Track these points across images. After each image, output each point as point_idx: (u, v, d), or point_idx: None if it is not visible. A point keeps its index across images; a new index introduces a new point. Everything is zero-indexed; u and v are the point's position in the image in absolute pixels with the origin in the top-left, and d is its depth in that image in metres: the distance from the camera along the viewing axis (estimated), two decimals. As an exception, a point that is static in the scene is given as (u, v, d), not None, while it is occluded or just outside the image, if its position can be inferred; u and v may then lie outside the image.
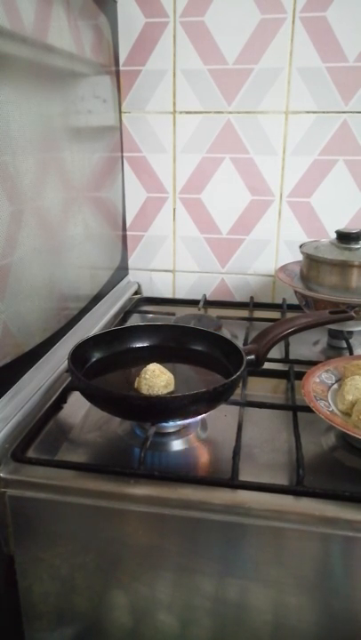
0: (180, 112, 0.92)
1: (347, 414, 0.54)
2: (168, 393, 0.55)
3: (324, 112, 0.88)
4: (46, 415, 0.58)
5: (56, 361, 0.66)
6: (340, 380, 0.59)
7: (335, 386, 0.58)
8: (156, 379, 0.54)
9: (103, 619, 0.53)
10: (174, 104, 0.92)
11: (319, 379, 0.59)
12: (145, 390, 0.54)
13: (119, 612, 0.52)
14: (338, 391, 0.57)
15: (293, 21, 0.84)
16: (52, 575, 0.52)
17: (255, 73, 0.88)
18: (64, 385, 0.63)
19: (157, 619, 0.52)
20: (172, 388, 0.55)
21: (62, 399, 0.62)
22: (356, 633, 0.47)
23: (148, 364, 0.56)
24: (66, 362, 0.59)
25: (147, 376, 0.55)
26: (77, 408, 0.61)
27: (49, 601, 0.53)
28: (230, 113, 0.90)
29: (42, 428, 0.56)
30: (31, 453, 0.52)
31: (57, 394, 0.62)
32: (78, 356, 0.58)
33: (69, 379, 0.64)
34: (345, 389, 0.54)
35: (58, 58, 0.67)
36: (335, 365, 0.61)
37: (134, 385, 0.56)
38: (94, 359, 0.62)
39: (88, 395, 0.54)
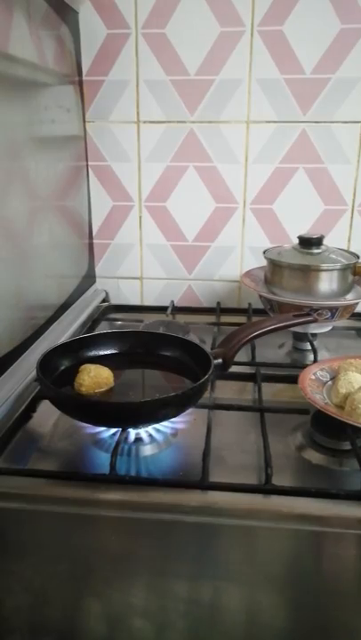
0: (144, 122, 0.93)
1: (340, 407, 0.56)
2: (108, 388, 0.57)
3: (283, 122, 0.91)
4: (15, 425, 0.57)
5: (24, 370, 0.65)
6: (334, 378, 0.62)
7: (330, 383, 0.61)
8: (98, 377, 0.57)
9: (78, 629, 0.52)
10: (138, 114, 0.93)
11: (315, 376, 0.61)
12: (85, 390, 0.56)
13: (94, 620, 0.52)
14: (332, 387, 0.59)
15: (252, 34, 0.87)
16: (25, 587, 0.51)
17: (216, 84, 0.90)
18: (33, 394, 0.63)
19: (132, 625, 0.52)
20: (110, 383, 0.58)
21: (31, 408, 0.61)
22: (328, 626, 0.49)
23: (119, 370, 0.57)
24: (34, 371, 0.59)
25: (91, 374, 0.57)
26: (47, 417, 0.60)
27: (21, 614, 0.52)
28: (193, 122, 0.92)
29: (11, 437, 0.56)
30: (1, 463, 0.52)
31: (26, 403, 0.61)
32: (46, 364, 0.58)
33: (38, 387, 0.64)
34: (338, 384, 0.58)
35: (20, 67, 0.67)
36: (330, 365, 0.64)
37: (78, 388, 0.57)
38: (63, 367, 0.62)
39: (57, 403, 0.54)
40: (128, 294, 1.04)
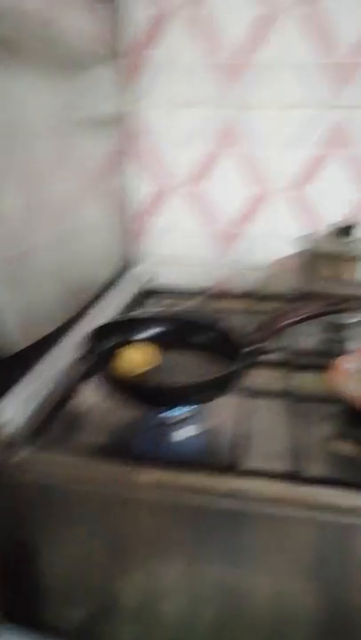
0: (182, 105, 0.93)
1: None
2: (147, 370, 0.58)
3: (318, 106, 0.89)
4: (60, 402, 0.59)
5: (68, 349, 0.67)
6: None
7: None
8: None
9: (112, 601, 0.54)
10: (176, 96, 0.92)
11: (347, 365, 0.62)
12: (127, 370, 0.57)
13: (126, 596, 0.53)
14: None
15: (287, 17, 0.85)
16: (65, 559, 0.53)
17: (252, 67, 0.88)
18: (77, 372, 0.64)
19: (163, 603, 0.52)
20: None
21: (73, 388, 0.63)
22: (357, 618, 0.49)
23: (158, 353, 0.58)
24: (78, 350, 0.61)
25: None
26: (89, 395, 0.62)
27: (61, 584, 0.54)
28: (229, 107, 0.91)
29: (55, 415, 0.58)
30: (44, 440, 0.54)
31: (70, 381, 0.63)
32: (93, 342, 0.60)
33: (82, 366, 0.65)
34: None
35: (62, 48, 0.67)
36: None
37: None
38: (105, 348, 0.64)
39: (102, 382, 0.56)
40: (165, 278, 1.05)
